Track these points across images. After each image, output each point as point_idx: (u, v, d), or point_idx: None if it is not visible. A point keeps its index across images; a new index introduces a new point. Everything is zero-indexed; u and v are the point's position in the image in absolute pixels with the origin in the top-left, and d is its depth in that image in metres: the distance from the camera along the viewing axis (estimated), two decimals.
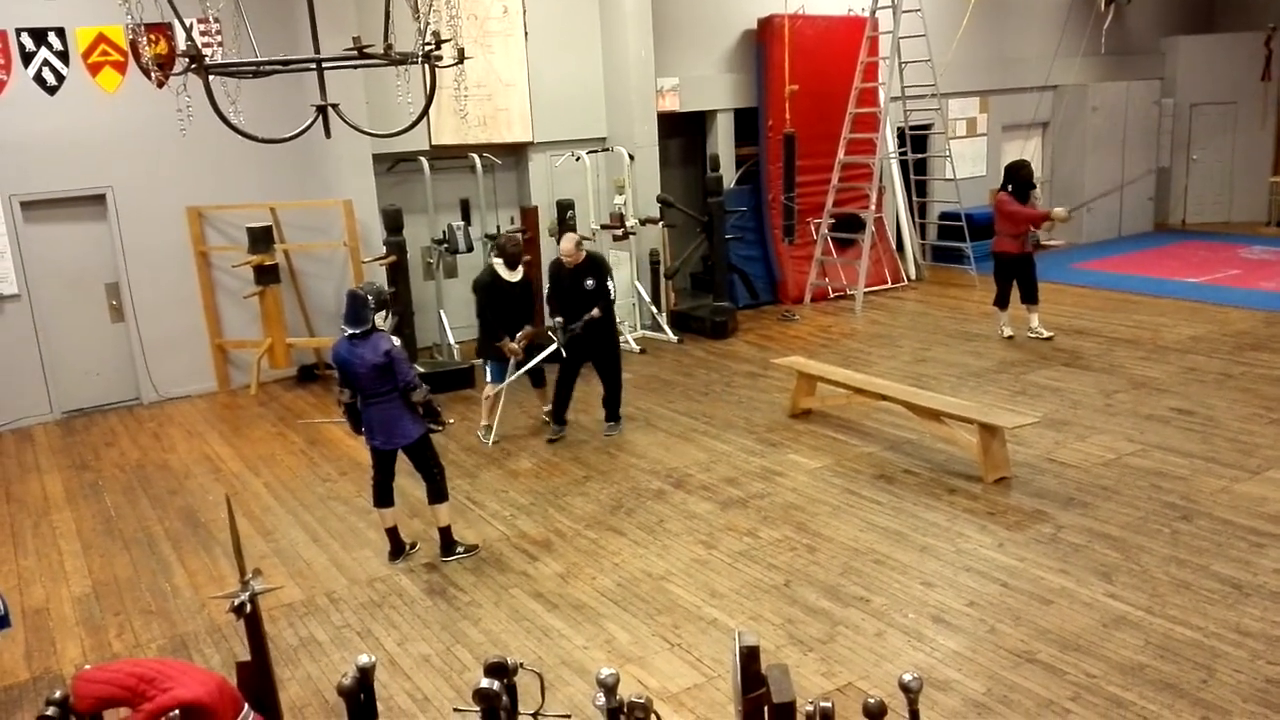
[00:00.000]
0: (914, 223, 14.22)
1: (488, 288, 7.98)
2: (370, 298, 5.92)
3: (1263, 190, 16.31)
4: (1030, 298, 10.41)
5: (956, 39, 13.29)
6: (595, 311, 7.96)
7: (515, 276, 7.99)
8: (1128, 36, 16.15)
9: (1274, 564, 5.53)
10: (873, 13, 12.64)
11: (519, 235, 8.78)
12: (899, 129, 13.59)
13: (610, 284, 8.06)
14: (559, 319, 8.03)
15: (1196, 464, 6.99)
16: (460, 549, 6.26)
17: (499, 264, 7.97)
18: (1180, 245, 15.20)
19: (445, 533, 6.25)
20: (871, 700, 2.78)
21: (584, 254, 8.08)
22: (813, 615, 5.31)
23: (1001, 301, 10.49)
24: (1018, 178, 10.23)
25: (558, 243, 10.63)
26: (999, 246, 10.36)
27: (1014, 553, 5.86)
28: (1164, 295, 12.09)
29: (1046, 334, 10.42)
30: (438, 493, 6.20)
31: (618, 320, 11.05)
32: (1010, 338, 10.46)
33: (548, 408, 8.47)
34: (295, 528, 6.87)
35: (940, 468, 7.22)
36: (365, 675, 3.16)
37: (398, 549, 6.26)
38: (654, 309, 11.53)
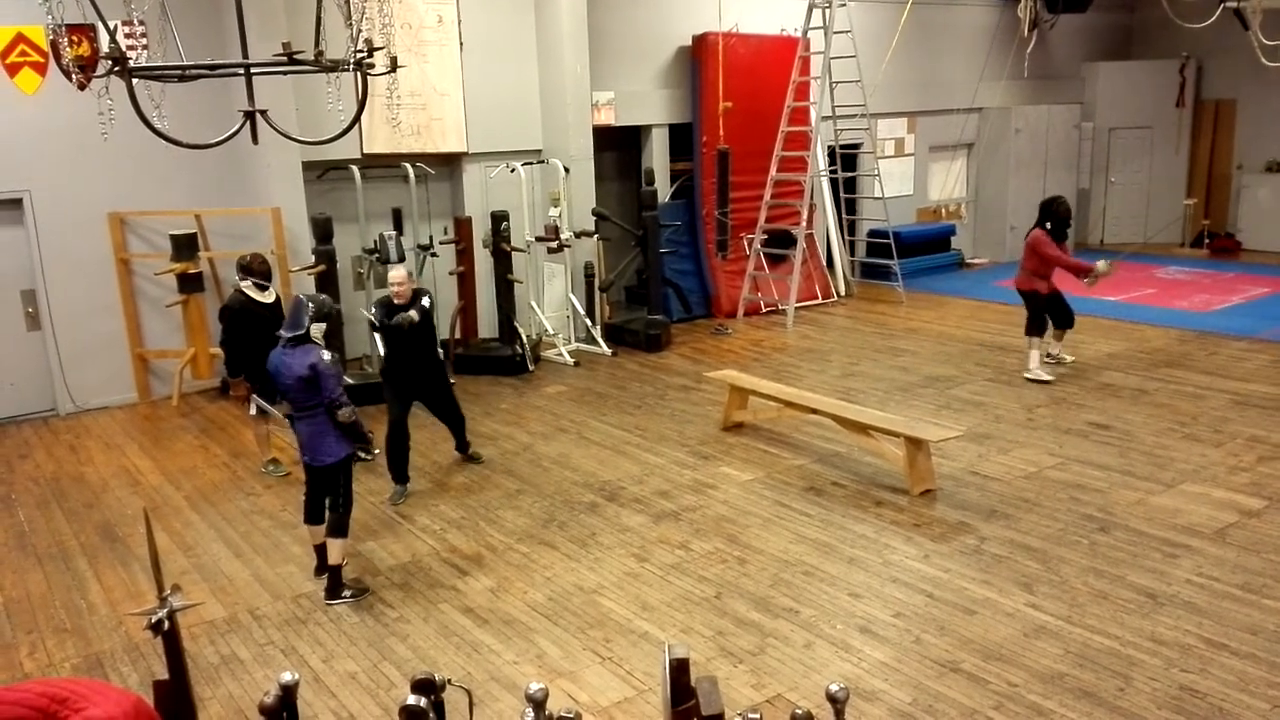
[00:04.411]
0: (843, 240, 14.46)
1: (238, 314, 7.36)
2: (312, 306, 5.83)
3: (1177, 212, 16.92)
4: (1066, 323, 9.86)
5: (885, 61, 13.57)
6: (412, 313, 7.09)
7: (268, 298, 7.52)
8: (1050, 62, 16.66)
9: (1187, 574, 5.72)
10: (805, 33, 12.84)
11: (264, 254, 7.99)
12: (829, 147, 13.83)
13: (426, 300, 7.23)
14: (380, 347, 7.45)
15: (1114, 477, 7.21)
16: (347, 592, 5.83)
17: (248, 286, 7.42)
18: None
19: (335, 572, 5.84)
20: (799, 711, 2.81)
21: (412, 287, 7.34)
22: (743, 627, 5.34)
23: (1035, 329, 9.65)
24: (1056, 215, 9.35)
25: (491, 253, 10.76)
26: (1028, 285, 9.54)
27: (939, 564, 5.97)
28: (1083, 313, 12.36)
29: (1069, 358, 10.05)
30: (337, 527, 5.83)
31: (551, 332, 11.18)
32: (1053, 358, 9.95)
33: (270, 458, 7.88)
34: (217, 542, 6.71)
35: (868, 480, 7.33)
36: (288, 693, 3.10)
37: (324, 565, 6.13)
38: (588, 321, 11.53)
